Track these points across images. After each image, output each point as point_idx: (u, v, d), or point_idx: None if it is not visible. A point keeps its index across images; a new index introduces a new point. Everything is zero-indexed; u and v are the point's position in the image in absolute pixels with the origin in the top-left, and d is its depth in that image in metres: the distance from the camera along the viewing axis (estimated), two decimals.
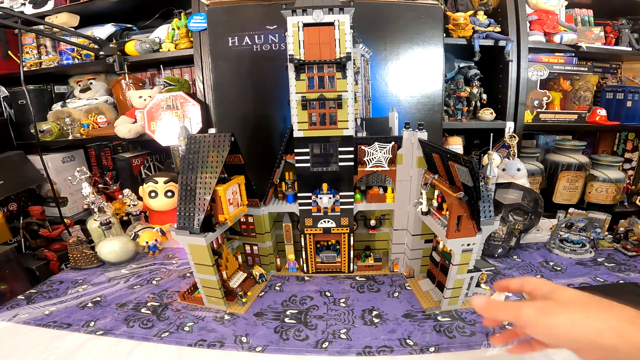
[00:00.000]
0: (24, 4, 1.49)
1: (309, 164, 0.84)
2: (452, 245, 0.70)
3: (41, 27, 1.45)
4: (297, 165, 0.84)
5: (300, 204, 0.88)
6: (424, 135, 0.81)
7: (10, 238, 1.30)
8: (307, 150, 0.83)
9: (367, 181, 0.94)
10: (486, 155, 0.72)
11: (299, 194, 0.87)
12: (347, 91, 0.78)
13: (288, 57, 0.75)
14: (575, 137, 1.57)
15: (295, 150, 0.83)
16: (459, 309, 0.77)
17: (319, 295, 0.84)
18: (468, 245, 0.70)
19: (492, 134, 0.91)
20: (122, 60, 1.37)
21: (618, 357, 0.41)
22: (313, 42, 0.75)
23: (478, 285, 0.79)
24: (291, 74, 0.77)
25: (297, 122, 0.80)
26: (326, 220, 0.88)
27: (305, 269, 0.94)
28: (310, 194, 0.86)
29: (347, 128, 0.80)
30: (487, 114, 1.33)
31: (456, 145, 1.33)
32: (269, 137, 1.13)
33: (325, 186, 0.85)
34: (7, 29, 1.54)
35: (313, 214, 0.88)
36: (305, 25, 0.74)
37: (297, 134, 0.81)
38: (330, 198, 0.85)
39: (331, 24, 0.74)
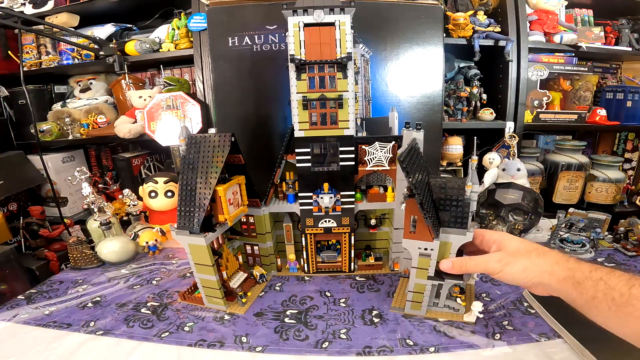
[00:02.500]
0: (24, 4, 1.49)
1: (309, 164, 0.84)
2: (407, 246, 0.70)
3: (41, 27, 1.45)
4: (297, 165, 0.84)
5: (301, 204, 0.87)
6: (420, 134, 0.81)
7: (10, 238, 1.30)
8: (308, 150, 0.83)
9: (367, 180, 0.94)
10: (470, 160, 0.70)
11: (299, 194, 0.87)
12: (347, 91, 0.78)
13: (289, 57, 0.75)
14: (575, 137, 1.57)
15: (296, 150, 0.83)
16: (423, 316, 0.75)
17: (319, 295, 0.84)
18: (425, 249, 0.69)
19: (475, 138, 0.87)
20: (122, 60, 1.37)
21: (551, 290, 0.57)
22: (314, 42, 0.75)
23: (450, 297, 0.75)
24: (292, 74, 0.77)
25: (297, 122, 0.80)
26: (327, 220, 0.88)
27: (306, 268, 0.94)
28: (311, 194, 0.86)
29: (348, 128, 0.80)
30: (487, 114, 1.33)
31: (456, 145, 1.33)
32: (269, 137, 1.13)
33: (326, 186, 0.85)
34: (7, 29, 1.54)
35: (314, 213, 0.88)
36: (306, 25, 0.74)
37: (297, 133, 0.81)
38: (331, 198, 0.85)
39: (332, 24, 0.74)
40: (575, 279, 0.53)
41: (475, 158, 0.70)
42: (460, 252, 0.72)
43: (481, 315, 0.71)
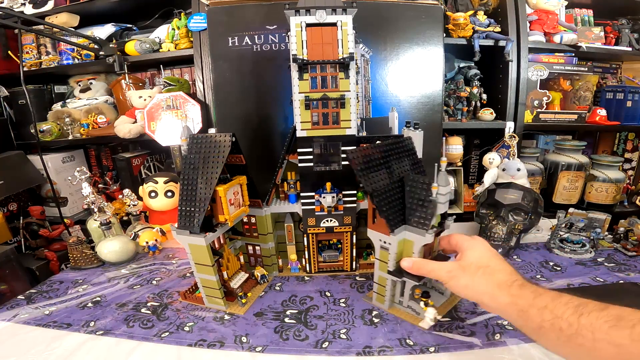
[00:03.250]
0: (24, 4, 1.49)
1: (311, 164, 0.84)
2: (370, 236, 0.73)
3: (41, 27, 1.45)
4: (300, 164, 0.84)
5: (304, 204, 0.87)
6: (419, 134, 0.81)
7: (10, 238, 1.30)
8: (310, 149, 0.83)
9: None
10: (439, 161, 0.67)
11: (302, 194, 0.87)
12: (349, 91, 0.78)
13: (291, 57, 0.75)
14: (575, 137, 1.57)
15: (299, 150, 0.83)
16: (388, 311, 0.76)
17: (319, 295, 0.84)
18: (385, 242, 0.70)
19: (449, 136, 0.85)
20: (122, 60, 1.37)
21: (495, 311, 0.56)
22: (316, 42, 0.75)
23: (413, 298, 0.74)
24: (294, 74, 0.77)
25: (300, 122, 0.80)
26: (329, 219, 0.88)
27: (308, 268, 0.93)
28: (313, 194, 0.86)
29: (350, 127, 0.80)
30: (487, 114, 1.33)
31: (456, 145, 1.33)
32: (269, 138, 1.13)
33: (329, 185, 0.85)
34: (7, 29, 1.54)
35: (316, 213, 0.88)
36: (308, 25, 0.74)
37: (300, 133, 0.81)
38: (333, 197, 0.85)
39: (334, 24, 0.74)
40: (519, 307, 0.51)
41: (444, 159, 0.69)
42: (444, 257, 0.73)
43: (432, 323, 0.69)
